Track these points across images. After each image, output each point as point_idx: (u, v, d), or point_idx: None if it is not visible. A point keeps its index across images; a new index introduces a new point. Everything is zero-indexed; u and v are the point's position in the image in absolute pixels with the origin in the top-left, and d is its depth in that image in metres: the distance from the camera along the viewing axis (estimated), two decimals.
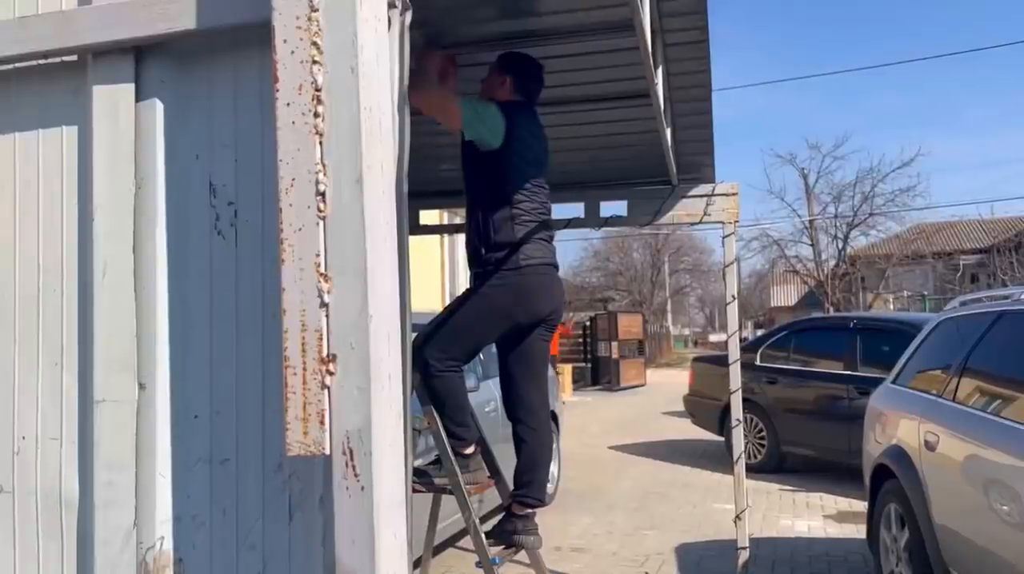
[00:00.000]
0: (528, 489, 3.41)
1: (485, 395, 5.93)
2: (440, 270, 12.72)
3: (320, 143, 1.63)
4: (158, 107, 1.95)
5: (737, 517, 4.76)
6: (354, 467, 1.63)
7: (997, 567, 3.17)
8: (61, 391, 2.06)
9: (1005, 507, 3.12)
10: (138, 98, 1.96)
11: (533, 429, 3.43)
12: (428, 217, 6.05)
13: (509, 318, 3.23)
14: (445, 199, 5.98)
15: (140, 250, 1.95)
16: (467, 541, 5.50)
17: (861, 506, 6.23)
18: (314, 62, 1.63)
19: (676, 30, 3.58)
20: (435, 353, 3.20)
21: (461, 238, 14.86)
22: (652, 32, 3.24)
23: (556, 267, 3.35)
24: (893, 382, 4.92)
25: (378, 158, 1.66)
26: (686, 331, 51.96)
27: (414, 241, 2.63)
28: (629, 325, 21.98)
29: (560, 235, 4.52)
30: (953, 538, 3.58)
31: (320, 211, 1.62)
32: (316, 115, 1.62)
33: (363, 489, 1.63)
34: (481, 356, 6.52)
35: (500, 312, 3.22)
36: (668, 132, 4.21)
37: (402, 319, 1.79)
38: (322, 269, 1.63)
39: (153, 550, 1.94)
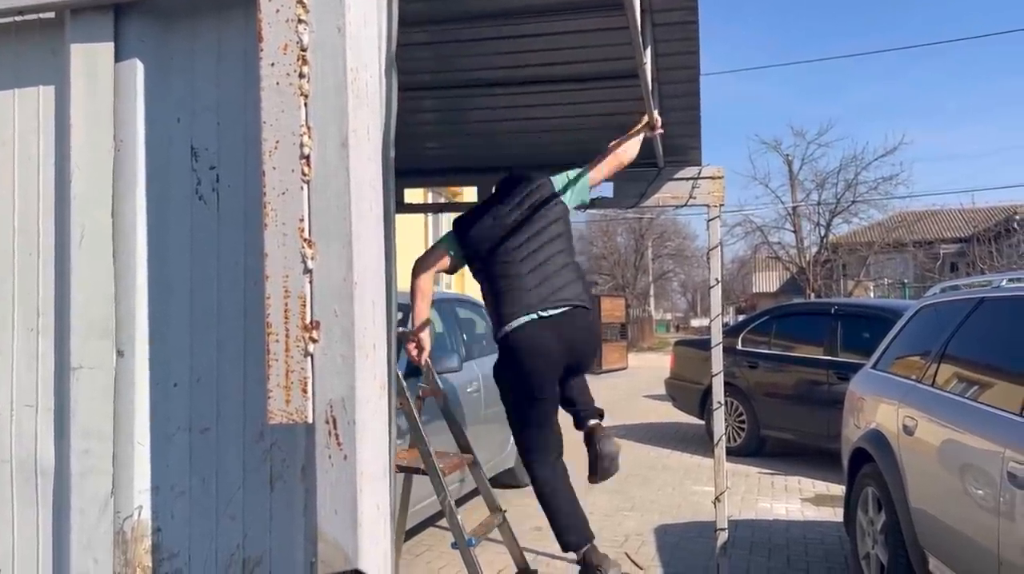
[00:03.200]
0: (564, 536, 3.41)
1: (468, 376, 5.93)
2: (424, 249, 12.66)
3: (305, 104, 1.59)
4: (138, 67, 1.90)
5: (716, 499, 4.78)
6: (337, 436, 1.61)
7: (972, 550, 3.20)
8: (37, 357, 2.01)
9: (980, 491, 3.16)
10: (117, 58, 1.91)
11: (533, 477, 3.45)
12: (412, 195, 5.99)
13: (522, 385, 3.25)
14: (429, 177, 5.93)
15: (119, 214, 1.91)
16: (445, 521, 5.51)
17: (838, 490, 6.30)
18: (300, 21, 1.59)
19: (665, 10, 3.54)
20: (521, 458, 3.37)
21: (445, 217, 14.87)
22: (641, 11, 3.21)
23: (552, 315, 3.21)
24: (873, 367, 4.96)
25: (364, 121, 1.63)
26: (668, 316, 52.21)
27: (397, 220, 2.61)
28: (612, 309, 22.03)
29: None
30: (929, 521, 3.61)
31: (304, 175, 1.59)
32: (301, 76, 1.58)
33: (346, 458, 1.61)
34: (464, 337, 6.52)
35: (512, 385, 3.30)
36: (656, 114, 4.18)
37: (387, 287, 1.76)
38: (306, 234, 1.59)
39: (131, 519, 1.91)
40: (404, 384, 3.63)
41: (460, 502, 5.89)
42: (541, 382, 3.23)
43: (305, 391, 1.61)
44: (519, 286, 3.23)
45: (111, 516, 1.91)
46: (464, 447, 4.05)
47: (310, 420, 1.62)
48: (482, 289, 3.41)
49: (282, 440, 1.81)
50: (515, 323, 3.20)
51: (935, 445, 3.66)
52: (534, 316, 3.20)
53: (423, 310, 3.42)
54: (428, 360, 3.92)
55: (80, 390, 1.93)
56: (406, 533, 4.57)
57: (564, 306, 3.24)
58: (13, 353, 2.04)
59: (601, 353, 20.49)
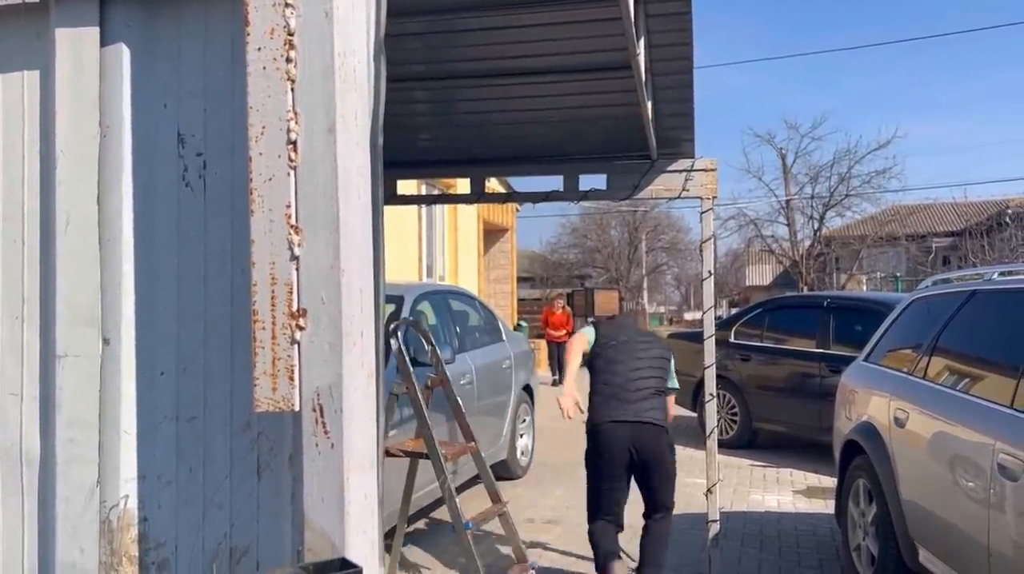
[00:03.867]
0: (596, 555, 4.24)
1: (461, 367, 5.91)
2: (417, 242, 12.61)
3: (292, 89, 1.57)
4: (124, 52, 1.88)
5: (708, 491, 4.79)
6: (324, 424, 1.60)
7: (962, 542, 3.21)
8: (22, 345, 2.00)
9: (971, 483, 3.16)
10: (103, 42, 1.88)
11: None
12: (405, 187, 5.97)
13: (595, 464, 4.15)
14: (422, 169, 5.91)
15: (104, 201, 1.89)
16: (441, 512, 5.50)
17: (830, 482, 6.31)
18: (287, 5, 1.57)
19: (659, 0, 3.53)
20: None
21: (438, 209, 14.67)
22: (635, 2, 3.19)
23: (628, 421, 4.07)
24: (865, 360, 4.96)
25: (352, 107, 1.61)
26: (662, 309, 52.22)
27: (391, 212, 2.63)
28: (605, 301, 22.06)
29: (538, 210, 4.59)
30: (920, 513, 3.62)
31: (291, 160, 1.57)
32: (288, 60, 1.56)
33: (333, 446, 1.60)
34: (457, 329, 6.52)
35: (588, 461, 4.19)
36: (649, 105, 4.17)
37: (375, 275, 1.74)
38: (292, 221, 1.58)
39: (117, 508, 1.90)
40: (412, 370, 3.64)
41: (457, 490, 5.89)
42: (607, 466, 4.12)
43: (292, 379, 1.60)
44: (620, 397, 4.12)
45: (97, 505, 1.90)
46: (469, 436, 4.06)
47: (297, 408, 1.61)
48: (591, 374, 4.28)
49: (269, 429, 1.80)
50: (603, 421, 4.08)
51: (926, 437, 3.67)
52: (619, 421, 4.07)
53: (571, 372, 4.28)
54: (439, 351, 4.00)
55: (65, 378, 1.91)
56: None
57: (644, 421, 4.09)
58: None
59: None
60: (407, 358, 3.73)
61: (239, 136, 1.75)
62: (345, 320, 1.59)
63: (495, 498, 4.03)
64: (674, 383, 4.42)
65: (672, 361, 4.44)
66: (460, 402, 4.09)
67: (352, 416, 1.61)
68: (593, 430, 4.14)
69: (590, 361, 4.31)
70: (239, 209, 1.78)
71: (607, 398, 4.13)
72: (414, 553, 5.05)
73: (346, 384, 1.59)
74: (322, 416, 1.59)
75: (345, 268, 1.59)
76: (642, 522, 4.71)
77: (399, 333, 3.87)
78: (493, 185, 12.80)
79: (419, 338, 4.31)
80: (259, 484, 1.82)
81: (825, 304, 8.44)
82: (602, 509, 4.24)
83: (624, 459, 4.06)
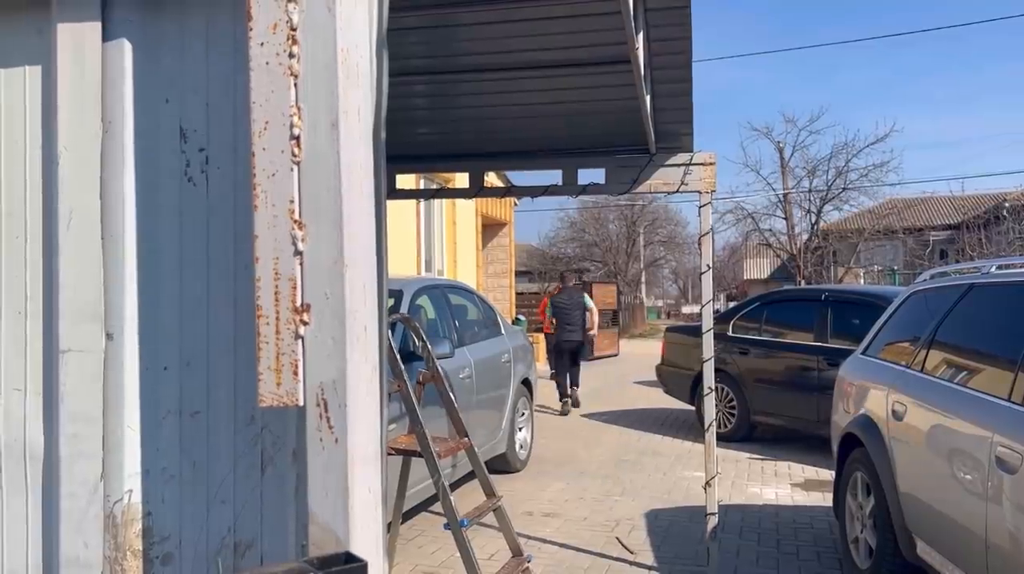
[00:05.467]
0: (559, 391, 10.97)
1: (460, 361, 5.93)
2: (416, 237, 12.61)
3: (295, 85, 1.57)
4: (126, 47, 1.87)
5: (707, 484, 4.80)
6: (328, 419, 1.60)
7: (960, 534, 3.23)
8: (25, 340, 2.00)
9: (968, 476, 3.18)
10: (105, 37, 1.88)
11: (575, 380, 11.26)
12: (404, 182, 5.96)
13: (557, 356, 11.03)
14: (421, 163, 5.90)
15: (107, 196, 1.89)
16: (437, 506, 5.52)
17: (828, 475, 6.33)
18: (289, 0, 1.57)
19: None
20: (553, 373, 11.42)
21: (437, 203, 14.70)
22: None
23: (572, 339, 10.85)
24: (863, 353, 4.98)
25: (355, 102, 1.61)
26: (659, 302, 52.34)
27: (389, 206, 2.65)
28: (603, 295, 22.04)
29: (536, 204, 4.58)
30: (918, 506, 3.64)
31: (294, 156, 1.57)
32: (291, 55, 1.56)
33: (337, 441, 1.60)
34: (456, 323, 6.53)
35: (550, 356, 11.43)
36: (648, 99, 4.16)
37: (379, 270, 1.75)
38: (296, 216, 1.58)
39: (121, 503, 1.90)
40: (403, 368, 3.64)
41: (451, 488, 5.90)
42: (560, 355, 10.89)
43: (296, 374, 1.60)
44: (566, 328, 10.79)
45: (101, 500, 1.91)
46: (462, 432, 4.07)
47: (301, 403, 1.62)
48: (555, 317, 10.97)
49: (273, 423, 1.81)
50: (560, 338, 10.82)
51: (924, 430, 3.68)
52: (565, 339, 10.79)
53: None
54: (432, 345, 3.97)
55: (69, 373, 1.92)
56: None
57: (576, 337, 10.90)
58: (1, 336, 2.02)
59: (593, 339, 20.53)
60: (397, 355, 3.73)
61: (241, 131, 1.75)
62: (349, 315, 1.59)
63: (489, 493, 4.04)
64: (591, 308, 11.35)
65: (586, 298, 11.37)
66: (453, 398, 4.08)
67: (356, 411, 1.62)
68: (555, 343, 10.75)
69: (555, 314, 10.72)
70: (242, 204, 1.78)
71: (561, 327, 10.62)
72: (410, 549, 5.07)
73: (350, 379, 1.60)
74: (326, 411, 1.60)
75: (349, 263, 1.59)
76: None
77: (390, 330, 3.88)
78: (491, 179, 12.78)
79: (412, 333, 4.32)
80: (263, 479, 1.83)
81: (823, 298, 8.46)
82: (560, 373, 10.66)
83: (567, 353, 10.61)
